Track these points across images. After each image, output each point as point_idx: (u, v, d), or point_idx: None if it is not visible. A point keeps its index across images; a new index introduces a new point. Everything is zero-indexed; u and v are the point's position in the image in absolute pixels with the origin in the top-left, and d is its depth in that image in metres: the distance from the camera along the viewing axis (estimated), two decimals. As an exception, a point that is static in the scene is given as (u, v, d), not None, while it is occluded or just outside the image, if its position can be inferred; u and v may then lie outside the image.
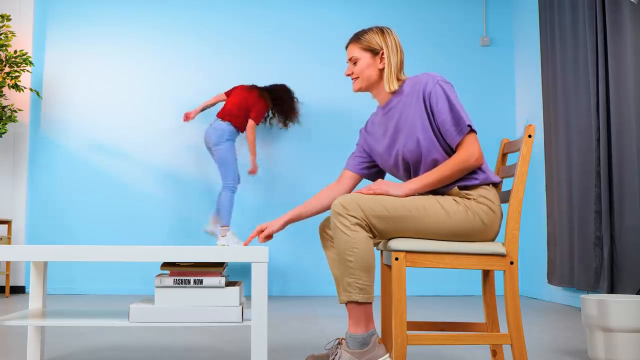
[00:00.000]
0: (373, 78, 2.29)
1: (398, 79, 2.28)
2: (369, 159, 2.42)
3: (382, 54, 2.27)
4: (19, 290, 5.54)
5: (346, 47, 2.35)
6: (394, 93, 2.29)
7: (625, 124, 3.96)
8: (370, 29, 2.31)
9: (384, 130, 2.31)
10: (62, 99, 5.87)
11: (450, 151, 2.19)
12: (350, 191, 2.43)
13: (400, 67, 2.29)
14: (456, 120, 2.13)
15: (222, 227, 5.21)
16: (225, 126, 5.26)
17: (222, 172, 5.24)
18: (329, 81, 5.97)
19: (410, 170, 2.25)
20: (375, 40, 2.28)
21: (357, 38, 2.31)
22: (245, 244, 2.40)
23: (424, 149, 2.17)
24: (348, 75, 2.32)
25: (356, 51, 2.30)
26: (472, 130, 2.14)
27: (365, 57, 2.29)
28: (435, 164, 2.18)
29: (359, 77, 2.30)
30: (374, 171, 2.44)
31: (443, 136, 2.17)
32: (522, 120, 5.82)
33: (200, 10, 6.00)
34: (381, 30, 2.30)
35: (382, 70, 2.29)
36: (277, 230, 2.36)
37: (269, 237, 2.37)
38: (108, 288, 5.68)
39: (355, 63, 2.30)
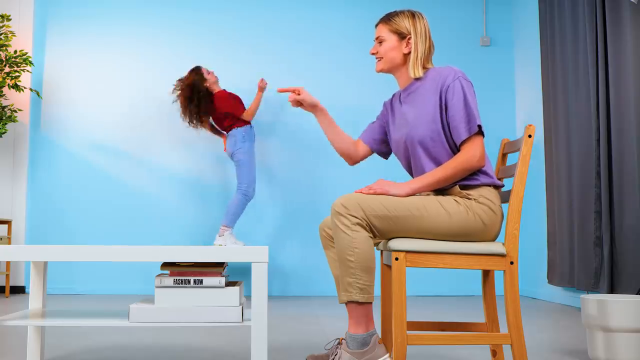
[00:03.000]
0: (396, 61, 2.28)
1: (424, 67, 2.27)
2: (383, 134, 2.41)
3: (409, 38, 2.26)
4: (19, 290, 5.54)
5: (376, 26, 2.34)
6: (416, 79, 2.28)
7: (625, 124, 3.96)
8: (402, 12, 2.29)
9: (400, 114, 2.31)
10: (62, 99, 5.87)
11: (455, 148, 2.18)
12: (359, 159, 2.44)
13: (428, 55, 2.27)
14: (467, 118, 2.12)
15: (222, 226, 5.20)
16: (234, 131, 5.27)
17: (238, 175, 5.26)
18: (331, 81, 5.96)
19: (410, 159, 2.25)
20: (405, 24, 2.27)
21: (387, 19, 2.30)
22: (280, 90, 2.35)
23: (429, 140, 2.17)
24: (373, 54, 2.31)
25: (384, 32, 2.29)
26: (480, 133, 2.13)
27: (391, 39, 2.28)
28: (437, 158, 2.18)
29: (382, 58, 2.30)
30: (384, 149, 2.44)
31: (451, 132, 2.16)
32: (522, 120, 5.82)
33: (201, 10, 6.00)
34: (412, 15, 2.28)
35: (406, 55, 2.28)
36: (309, 101, 2.35)
37: (298, 102, 2.36)
38: (108, 288, 5.68)
39: (381, 43, 2.30)
